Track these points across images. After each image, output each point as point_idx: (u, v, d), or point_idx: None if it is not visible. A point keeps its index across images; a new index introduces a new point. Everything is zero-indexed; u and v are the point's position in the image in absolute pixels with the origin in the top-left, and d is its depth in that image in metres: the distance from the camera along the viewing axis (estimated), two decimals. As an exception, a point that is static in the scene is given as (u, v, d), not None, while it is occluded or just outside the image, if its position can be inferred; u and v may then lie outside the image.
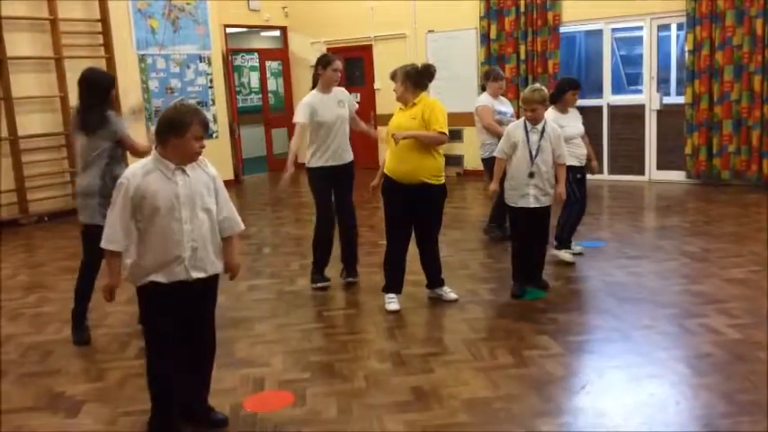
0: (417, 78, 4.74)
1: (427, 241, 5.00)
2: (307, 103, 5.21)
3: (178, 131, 2.97)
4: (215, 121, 11.05)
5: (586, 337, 4.24)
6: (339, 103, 5.33)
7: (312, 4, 12.12)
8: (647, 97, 9.37)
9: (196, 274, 3.12)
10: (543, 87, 5.03)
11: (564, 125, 5.44)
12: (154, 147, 3.09)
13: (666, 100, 9.46)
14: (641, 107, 9.42)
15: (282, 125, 13.12)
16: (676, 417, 3.23)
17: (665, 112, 9.33)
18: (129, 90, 9.75)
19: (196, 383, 3.38)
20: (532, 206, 4.94)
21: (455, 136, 11.01)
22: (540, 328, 4.40)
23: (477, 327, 4.48)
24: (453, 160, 11.16)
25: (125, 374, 4.01)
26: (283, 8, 12.50)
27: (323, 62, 5.27)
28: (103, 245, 3.07)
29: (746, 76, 8.45)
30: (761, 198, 7.97)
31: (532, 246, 5.11)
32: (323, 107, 5.22)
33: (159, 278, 3.07)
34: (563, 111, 5.70)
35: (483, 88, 6.67)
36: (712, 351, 3.89)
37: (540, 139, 4.89)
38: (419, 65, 4.83)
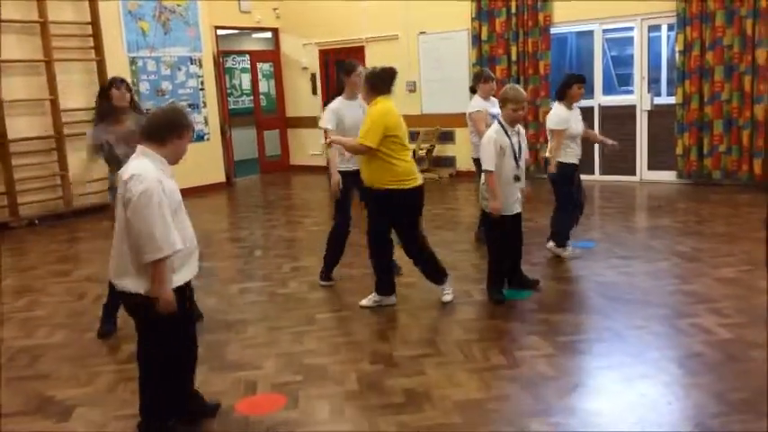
0: (374, 81, 4.72)
1: (403, 244, 4.94)
2: (332, 109, 5.37)
3: (180, 133, 3.03)
4: (206, 123, 11.02)
5: (578, 338, 4.24)
6: (363, 110, 5.40)
7: (303, 5, 12.11)
8: (638, 98, 9.39)
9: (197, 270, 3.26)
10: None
11: (571, 122, 5.69)
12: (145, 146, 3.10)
13: (657, 100, 9.49)
14: (632, 108, 9.44)
15: (274, 127, 13.12)
16: (668, 417, 3.23)
17: (655, 113, 9.36)
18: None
19: (191, 376, 3.43)
20: (518, 211, 4.93)
21: (447, 137, 11.05)
22: (531, 329, 4.40)
23: (469, 328, 4.48)
24: (446, 161, 11.19)
25: (116, 378, 3.99)
26: (274, 9, 12.48)
27: (346, 69, 5.44)
28: (173, 249, 2.89)
29: (737, 76, 8.49)
30: (752, 198, 8.00)
31: (514, 248, 5.09)
32: (347, 112, 5.36)
33: (186, 275, 3.12)
34: (569, 107, 5.75)
35: (473, 90, 6.60)
36: (704, 351, 3.90)
37: (519, 141, 4.88)
38: (379, 68, 4.80)
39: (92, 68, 9.54)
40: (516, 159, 4.83)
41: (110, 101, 4.85)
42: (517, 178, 4.86)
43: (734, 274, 5.24)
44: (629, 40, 9.71)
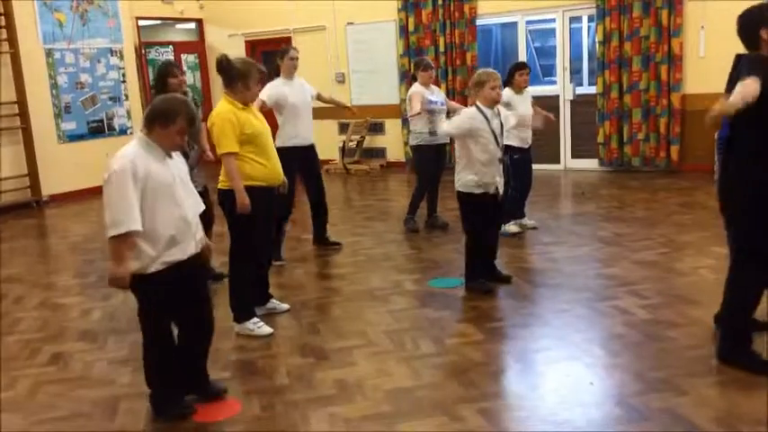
0: None
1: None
2: (272, 85, 5.78)
3: (163, 122, 3.11)
4: (129, 116, 10.72)
5: (505, 323, 4.33)
6: (302, 89, 5.98)
7: (228, -5, 11.91)
8: (561, 88, 9.61)
9: (198, 247, 3.31)
10: None
11: (518, 106, 6.02)
12: (140, 130, 3.23)
13: (579, 90, 9.75)
14: (556, 98, 9.64)
15: (201, 119, 12.84)
16: (591, 396, 3.34)
17: (578, 102, 9.60)
18: (34, 84, 9.38)
19: (201, 356, 3.50)
20: (495, 192, 4.82)
21: (377, 129, 11.08)
22: (461, 316, 4.48)
23: (400, 317, 4.51)
24: (376, 153, 11.22)
25: (37, 381, 3.85)
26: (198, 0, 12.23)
27: (280, 54, 5.96)
28: (127, 228, 2.99)
29: (653, 65, 8.79)
30: (669, 183, 8.32)
31: (490, 233, 4.99)
32: (288, 90, 5.82)
33: (177, 255, 3.16)
34: (517, 93, 6.15)
35: (414, 78, 6.82)
36: (624, 332, 4.04)
37: (500, 122, 4.80)
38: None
39: (5, 62, 9.15)
40: (498, 141, 4.75)
41: (166, 86, 4.93)
42: (500, 160, 4.80)
43: (652, 257, 5.44)
44: (552, 32, 9.93)
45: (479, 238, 4.90)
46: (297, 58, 5.95)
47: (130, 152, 3.08)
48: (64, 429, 3.32)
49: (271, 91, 5.73)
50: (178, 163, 3.29)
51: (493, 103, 4.76)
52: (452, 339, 4.10)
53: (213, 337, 3.53)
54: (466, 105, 5.13)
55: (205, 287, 3.50)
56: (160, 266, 3.12)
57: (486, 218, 4.87)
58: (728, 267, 3.59)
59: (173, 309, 3.29)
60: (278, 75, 5.93)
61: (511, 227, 6.26)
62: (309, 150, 6.03)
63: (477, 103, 4.78)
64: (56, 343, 4.44)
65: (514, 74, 6.18)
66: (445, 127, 4.99)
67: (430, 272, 5.43)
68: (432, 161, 6.62)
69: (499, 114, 4.84)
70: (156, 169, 3.09)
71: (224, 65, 4.23)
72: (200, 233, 3.33)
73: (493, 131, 4.73)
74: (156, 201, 3.08)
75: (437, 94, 6.70)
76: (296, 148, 5.80)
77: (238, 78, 4.20)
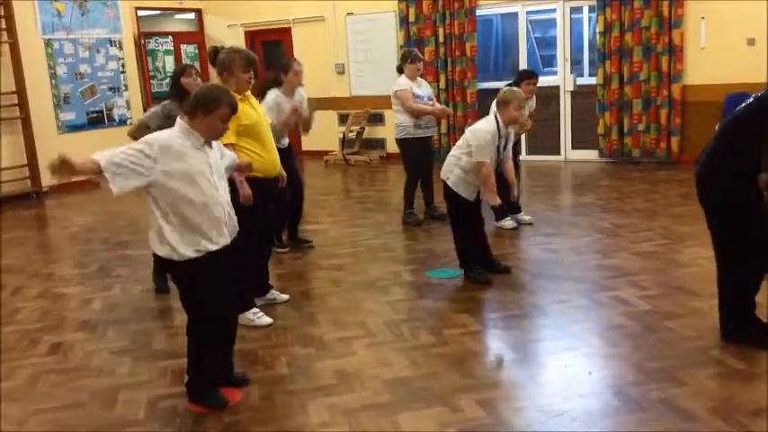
0: None
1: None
2: (274, 103, 5.54)
3: (206, 109, 3.12)
4: (128, 106, 10.70)
5: (504, 314, 4.33)
6: (299, 104, 5.67)
7: (227, -15, 11.85)
8: (562, 78, 9.59)
9: (231, 238, 3.31)
10: None
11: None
12: (180, 118, 3.20)
13: (580, 81, 9.72)
14: (556, 88, 9.62)
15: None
16: (589, 386, 3.35)
17: (578, 93, 9.57)
18: (33, 74, 9.35)
19: (231, 347, 3.50)
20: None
21: (377, 119, 11.05)
22: (459, 307, 4.48)
23: (399, 308, 4.51)
24: (376, 143, 11.20)
25: (36, 371, 3.85)
26: (198, -10, 12.18)
27: (282, 67, 5.65)
28: (100, 161, 2.93)
29: (654, 56, 8.76)
30: (669, 174, 8.31)
31: (480, 230, 5.07)
32: (287, 107, 5.56)
33: (210, 246, 3.18)
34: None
35: (400, 70, 6.63)
36: (623, 322, 4.04)
37: (507, 134, 4.89)
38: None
39: (5, 52, 9.12)
40: (499, 153, 4.85)
41: (180, 87, 4.94)
42: (496, 170, 4.89)
43: (652, 247, 5.44)
44: (552, 22, 9.88)
45: (466, 232, 4.96)
46: (301, 72, 5.68)
47: (164, 136, 3.12)
48: (63, 419, 3.33)
49: (274, 108, 5.49)
50: (216, 153, 3.29)
51: (513, 123, 4.85)
52: (451, 330, 4.10)
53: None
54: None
55: (231, 277, 3.44)
56: (193, 254, 3.14)
57: (473, 217, 4.96)
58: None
59: (217, 291, 3.27)
60: (276, 84, 5.69)
61: (507, 222, 6.23)
62: (287, 152, 5.59)
63: (497, 117, 4.80)
64: (55, 333, 4.44)
65: (520, 83, 5.98)
66: (482, 160, 4.76)
67: (428, 263, 5.43)
68: (419, 153, 6.58)
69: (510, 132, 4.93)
70: (191, 156, 3.10)
71: (211, 57, 4.28)
72: (233, 222, 3.33)
73: (498, 148, 4.81)
74: (185, 186, 3.08)
75: (424, 88, 6.62)
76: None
77: (223, 68, 4.23)
